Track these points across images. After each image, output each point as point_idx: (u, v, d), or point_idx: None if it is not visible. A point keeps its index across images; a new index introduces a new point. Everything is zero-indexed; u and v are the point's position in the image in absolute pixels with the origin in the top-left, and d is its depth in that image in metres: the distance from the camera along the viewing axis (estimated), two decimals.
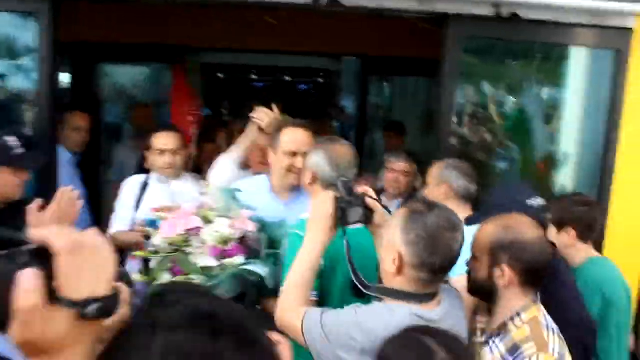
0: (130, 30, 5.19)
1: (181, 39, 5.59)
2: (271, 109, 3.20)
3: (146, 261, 2.52)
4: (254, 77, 12.60)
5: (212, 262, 2.41)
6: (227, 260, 2.42)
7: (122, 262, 3.39)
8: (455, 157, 3.31)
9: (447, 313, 1.84)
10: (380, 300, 1.91)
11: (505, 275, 2.01)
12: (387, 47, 5.55)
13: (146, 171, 3.49)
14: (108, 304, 0.84)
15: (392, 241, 1.80)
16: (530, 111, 4.42)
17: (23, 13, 3.16)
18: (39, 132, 3.10)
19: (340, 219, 2.03)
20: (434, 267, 1.76)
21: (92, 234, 0.87)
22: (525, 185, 3.01)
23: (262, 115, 3.17)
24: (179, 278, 2.37)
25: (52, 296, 0.79)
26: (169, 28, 5.22)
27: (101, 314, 0.83)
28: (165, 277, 2.39)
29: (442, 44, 3.32)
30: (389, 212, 2.10)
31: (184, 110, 5.78)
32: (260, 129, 3.17)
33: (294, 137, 2.83)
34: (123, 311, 0.94)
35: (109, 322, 0.86)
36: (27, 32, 3.23)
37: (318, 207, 2.06)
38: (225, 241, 2.45)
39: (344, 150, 2.53)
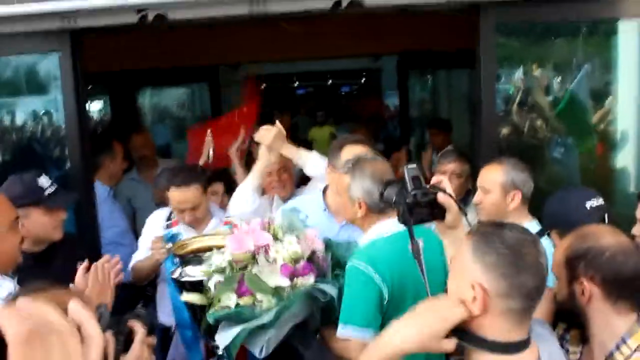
0: (166, 55, 5.23)
1: (217, 58, 5.58)
2: (282, 123, 3.07)
3: (182, 283, 2.43)
4: (296, 84, 12.60)
5: (283, 281, 2.26)
6: (299, 280, 2.29)
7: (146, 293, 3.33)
8: (502, 151, 3.11)
9: None
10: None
11: (586, 289, 1.73)
12: (425, 42, 5.37)
13: None
14: None
15: (467, 276, 1.43)
16: (582, 91, 4.17)
17: (45, 52, 3.13)
18: (72, 168, 3.09)
19: (403, 216, 1.70)
20: (525, 288, 1.40)
21: (58, 317, 0.76)
22: (585, 189, 2.74)
23: (264, 134, 3.02)
24: (246, 299, 2.24)
25: None
26: (204, 48, 5.23)
27: None
28: (230, 298, 2.24)
29: (476, 33, 3.14)
30: (465, 213, 1.76)
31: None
32: (269, 148, 3.03)
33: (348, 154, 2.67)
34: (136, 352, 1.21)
35: None
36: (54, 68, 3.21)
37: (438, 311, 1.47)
38: (296, 259, 2.31)
39: (383, 166, 2.39)
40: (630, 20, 3.49)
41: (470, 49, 3.30)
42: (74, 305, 0.83)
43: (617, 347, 1.70)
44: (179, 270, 2.52)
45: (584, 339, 1.83)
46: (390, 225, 2.29)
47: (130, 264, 3.09)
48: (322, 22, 4.72)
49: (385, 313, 2.19)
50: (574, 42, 3.87)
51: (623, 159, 3.84)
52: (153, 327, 1.81)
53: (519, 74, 4.34)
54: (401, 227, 1.78)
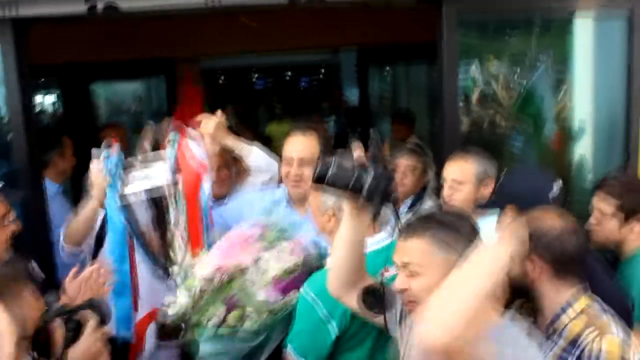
0: (120, 47, 5.05)
1: (174, 51, 5.48)
2: (226, 113, 2.94)
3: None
4: (254, 77, 12.47)
5: (275, 296, 2.08)
6: (292, 294, 2.10)
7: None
8: (464, 143, 3.08)
9: None
10: None
11: (536, 266, 1.92)
12: (383, 35, 5.34)
13: None
14: None
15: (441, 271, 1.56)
16: (539, 84, 4.20)
17: None
18: (18, 165, 2.93)
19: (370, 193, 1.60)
20: None
21: None
22: (539, 170, 2.76)
23: (204, 123, 2.82)
24: (235, 313, 2.07)
25: None
26: (160, 41, 5.09)
27: None
28: (219, 309, 2.08)
29: (437, 25, 3.10)
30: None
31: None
32: (211, 138, 2.81)
33: (295, 143, 2.72)
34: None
35: None
36: None
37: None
38: (289, 272, 2.13)
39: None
40: (586, 12, 3.52)
41: (429, 42, 3.28)
42: None
43: (564, 310, 1.91)
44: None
45: (536, 310, 1.99)
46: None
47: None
48: (281, 14, 4.64)
49: (340, 346, 2.04)
50: (531, 35, 3.88)
51: (580, 151, 3.88)
52: (107, 317, 1.73)
53: (477, 67, 4.35)
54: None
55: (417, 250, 1.63)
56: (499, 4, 3.19)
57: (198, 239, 2.51)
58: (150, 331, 2.65)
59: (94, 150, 2.60)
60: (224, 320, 2.08)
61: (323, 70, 11.55)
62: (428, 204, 3.61)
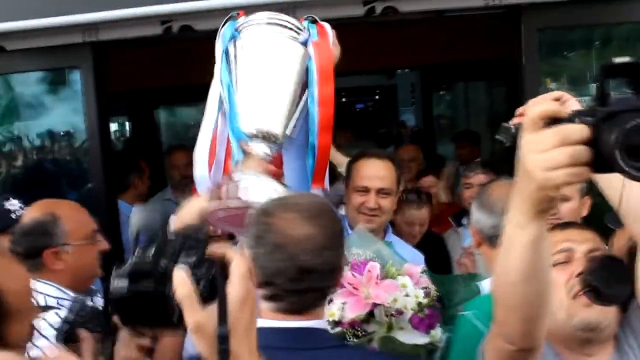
0: (185, 72, 5.11)
1: None
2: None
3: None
4: None
5: (421, 337, 1.81)
6: (433, 332, 1.84)
7: None
8: None
9: None
10: None
11: None
12: (445, 54, 5.22)
13: None
14: None
15: None
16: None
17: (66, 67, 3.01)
18: (94, 188, 2.95)
19: None
20: None
21: None
22: None
23: None
24: None
25: None
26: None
27: None
28: None
29: (516, 40, 2.97)
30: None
31: None
32: None
33: (373, 170, 2.39)
34: None
35: None
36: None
37: None
38: (423, 307, 1.85)
39: (502, 189, 1.86)
40: None
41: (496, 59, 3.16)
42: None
43: None
44: None
45: None
46: None
47: None
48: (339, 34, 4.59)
49: None
50: (612, 49, 3.70)
51: None
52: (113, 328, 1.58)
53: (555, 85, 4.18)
54: None
55: None
56: (581, 17, 3.03)
57: None
58: None
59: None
60: None
61: (378, 93, 11.48)
62: None
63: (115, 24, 2.75)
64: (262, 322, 1.34)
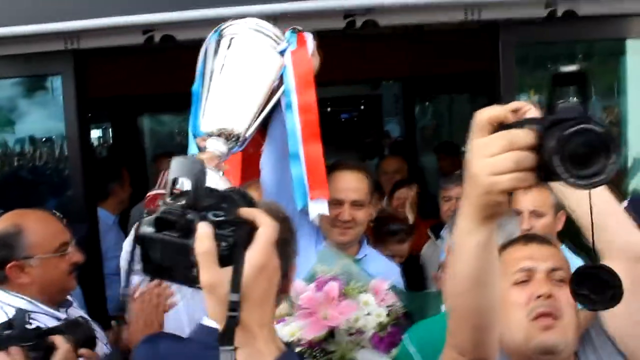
0: (167, 80, 5.11)
1: None
2: None
3: None
4: None
5: (379, 357, 1.81)
6: (394, 351, 1.83)
7: None
8: None
9: None
10: None
11: None
12: (428, 66, 5.29)
13: None
14: None
15: None
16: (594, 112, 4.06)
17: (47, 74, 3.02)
18: (74, 195, 2.95)
19: None
20: None
21: None
22: None
23: None
24: None
25: None
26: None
27: None
28: None
29: (493, 55, 3.03)
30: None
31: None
32: None
33: (345, 182, 2.33)
34: None
35: None
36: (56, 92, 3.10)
37: None
38: (384, 326, 1.85)
39: None
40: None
41: (476, 72, 3.21)
42: None
43: None
44: None
45: None
46: None
47: None
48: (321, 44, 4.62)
49: None
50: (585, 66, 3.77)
51: (634, 185, 3.72)
52: (91, 339, 1.55)
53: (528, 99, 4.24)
54: None
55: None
56: (557, 33, 3.09)
57: None
58: None
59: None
60: None
61: (363, 103, 11.52)
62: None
63: (97, 32, 2.76)
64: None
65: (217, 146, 1.73)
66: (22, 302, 1.90)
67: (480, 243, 1.02)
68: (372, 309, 1.83)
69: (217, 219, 0.87)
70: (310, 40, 2.04)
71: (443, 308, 1.91)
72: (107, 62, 4.00)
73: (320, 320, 1.78)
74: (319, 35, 2.98)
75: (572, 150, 0.86)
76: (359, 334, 1.80)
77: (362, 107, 12.02)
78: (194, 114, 1.89)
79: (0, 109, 3.52)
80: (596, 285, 1.20)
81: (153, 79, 5.05)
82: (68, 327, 1.49)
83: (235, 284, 0.84)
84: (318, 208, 1.96)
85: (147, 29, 2.79)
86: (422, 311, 1.96)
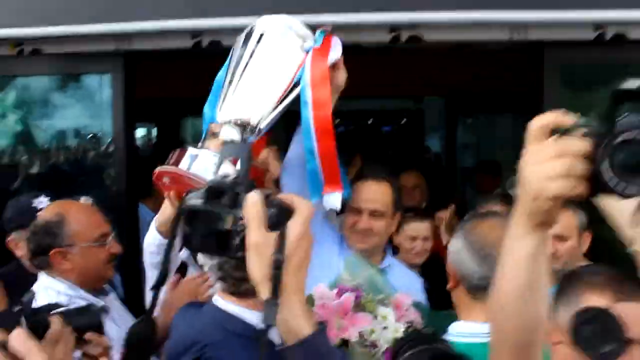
0: (212, 84, 5.20)
1: None
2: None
3: None
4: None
5: None
6: None
7: None
8: None
9: None
10: None
11: None
12: (473, 83, 5.26)
13: None
14: None
15: None
16: None
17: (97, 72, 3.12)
18: (117, 191, 3.03)
19: None
20: None
21: None
22: None
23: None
24: None
25: None
26: None
27: None
28: None
29: (537, 75, 3.01)
30: None
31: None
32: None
33: (366, 192, 2.36)
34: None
35: None
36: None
37: None
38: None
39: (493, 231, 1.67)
40: None
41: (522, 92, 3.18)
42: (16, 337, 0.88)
43: None
44: None
45: None
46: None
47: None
48: (367, 58, 4.65)
49: None
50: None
51: None
52: (96, 325, 1.54)
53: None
54: None
55: None
56: (605, 54, 3.05)
57: None
58: None
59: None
60: None
61: (405, 118, 11.48)
62: None
63: (148, 36, 2.85)
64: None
65: (231, 134, 1.76)
66: (64, 287, 2.01)
67: (529, 253, 0.98)
68: (389, 323, 1.81)
69: (265, 193, 0.98)
70: (337, 43, 2.05)
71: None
72: (156, 65, 4.10)
73: (333, 330, 1.79)
74: (363, 49, 3.02)
75: (623, 159, 0.86)
76: (373, 347, 1.79)
77: (404, 121, 11.99)
78: (213, 101, 1.93)
79: (50, 104, 3.64)
80: (599, 335, 1.14)
81: (198, 83, 5.15)
82: (71, 311, 1.51)
83: (280, 247, 0.95)
84: (331, 201, 1.98)
85: (195, 33, 2.86)
86: (444, 332, 1.94)
